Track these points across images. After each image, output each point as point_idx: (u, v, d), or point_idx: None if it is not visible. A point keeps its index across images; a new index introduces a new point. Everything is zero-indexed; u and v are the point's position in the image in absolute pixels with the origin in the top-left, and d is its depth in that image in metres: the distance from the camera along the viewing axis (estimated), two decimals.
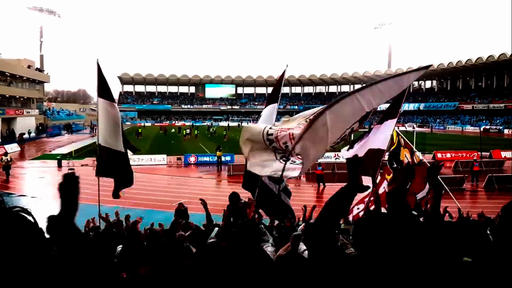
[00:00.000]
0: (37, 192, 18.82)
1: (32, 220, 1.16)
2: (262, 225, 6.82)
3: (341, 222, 7.73)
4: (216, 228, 5.44)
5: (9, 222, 1.10)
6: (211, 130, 63.37)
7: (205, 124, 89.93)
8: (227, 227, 4.37)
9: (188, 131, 55.34)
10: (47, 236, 1.30)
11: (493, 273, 1.61)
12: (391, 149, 9.21)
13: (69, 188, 1.49)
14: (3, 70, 53.37)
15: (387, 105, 8.51)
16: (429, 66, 5.01)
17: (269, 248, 4.23)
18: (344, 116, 4.52)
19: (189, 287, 3.10)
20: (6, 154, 26.17)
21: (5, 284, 1.00)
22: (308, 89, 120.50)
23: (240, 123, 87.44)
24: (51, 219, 1.41)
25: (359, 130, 5.50)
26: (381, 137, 8.24)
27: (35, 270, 1.06)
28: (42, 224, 1.32)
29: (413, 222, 1.93)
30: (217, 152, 28.99)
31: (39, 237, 1.15)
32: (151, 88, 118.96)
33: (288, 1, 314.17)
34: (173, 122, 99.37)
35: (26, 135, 49.15)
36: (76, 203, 1.50)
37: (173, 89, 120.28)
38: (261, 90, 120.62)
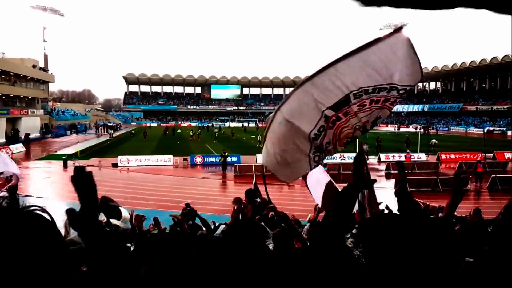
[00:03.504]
0: (42, 192, 18.93)
1: (50, 219, 1.15)
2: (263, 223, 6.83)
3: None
4: (222, 226, 5.50)
5: (26, 221, 1.09)
6: (216, 133, 59.64)
7: (211, 124, 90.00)
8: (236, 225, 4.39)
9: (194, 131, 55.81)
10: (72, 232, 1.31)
11: (495, 273, 1.66)
12: None
13: (82, 180, 1.48)
14: (6, 70, 52.86)
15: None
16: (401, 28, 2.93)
17: (271, 245, 4.30)
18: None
19: (191, 284, 3.03)
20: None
21: (24, 284, 1.00)
22: None
23: (243, 124, 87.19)
24: (71, 213, 1.38)
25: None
26: None
27: (54, 269, 1.07)
28: (58, 222, 1.36)
29: (428, 223, 1.94)
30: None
31: (57, 236, 1.15)
32: (156, 89, 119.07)
33: (293, 2, 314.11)
34: (179, 122, 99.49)
35: (38, 134, 48.45)
36: (95, 197, 1.49)
37: (178, 89, 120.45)
38: (267, 91, 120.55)
